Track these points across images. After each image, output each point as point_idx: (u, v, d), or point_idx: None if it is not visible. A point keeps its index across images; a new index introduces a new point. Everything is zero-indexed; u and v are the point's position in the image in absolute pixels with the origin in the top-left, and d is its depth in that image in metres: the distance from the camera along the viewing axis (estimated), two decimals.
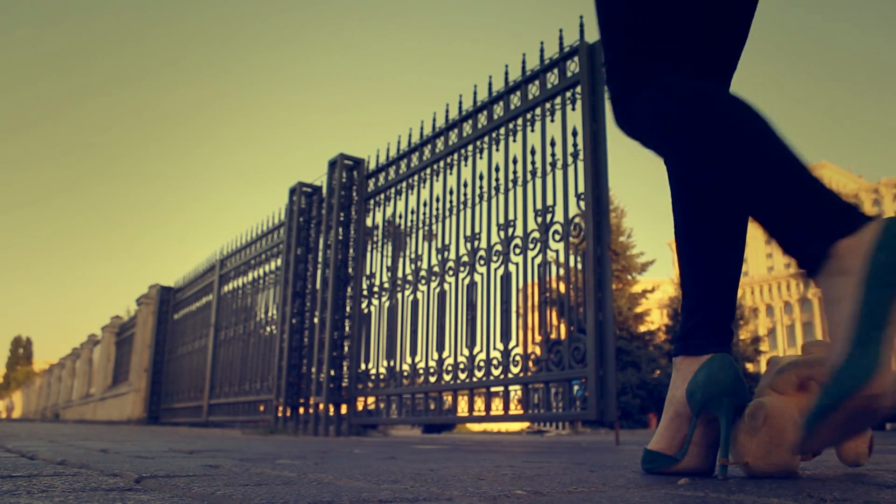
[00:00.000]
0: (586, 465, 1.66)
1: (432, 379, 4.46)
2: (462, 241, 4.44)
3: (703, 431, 1.18)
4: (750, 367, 30.50)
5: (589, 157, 3.63)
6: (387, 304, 5.08)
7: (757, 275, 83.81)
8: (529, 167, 4.03)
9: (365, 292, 5.40)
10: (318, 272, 5.96)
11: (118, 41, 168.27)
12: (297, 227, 6.34)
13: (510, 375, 3.90)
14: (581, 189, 3.66)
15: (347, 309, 5.52)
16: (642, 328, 28.85)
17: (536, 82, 4.12)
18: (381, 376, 5.00)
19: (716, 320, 1.18)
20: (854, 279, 0.82)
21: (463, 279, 4.38)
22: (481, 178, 4.41)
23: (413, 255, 4.88)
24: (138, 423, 10.33)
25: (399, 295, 4.95)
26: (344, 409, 5.31)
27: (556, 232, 3.79)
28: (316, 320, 5.79)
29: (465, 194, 4.52)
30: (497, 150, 4.36)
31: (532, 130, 4.10)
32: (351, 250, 5.65)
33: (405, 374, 4.72)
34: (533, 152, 4.04)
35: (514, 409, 3.94)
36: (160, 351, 10.57)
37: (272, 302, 6.82)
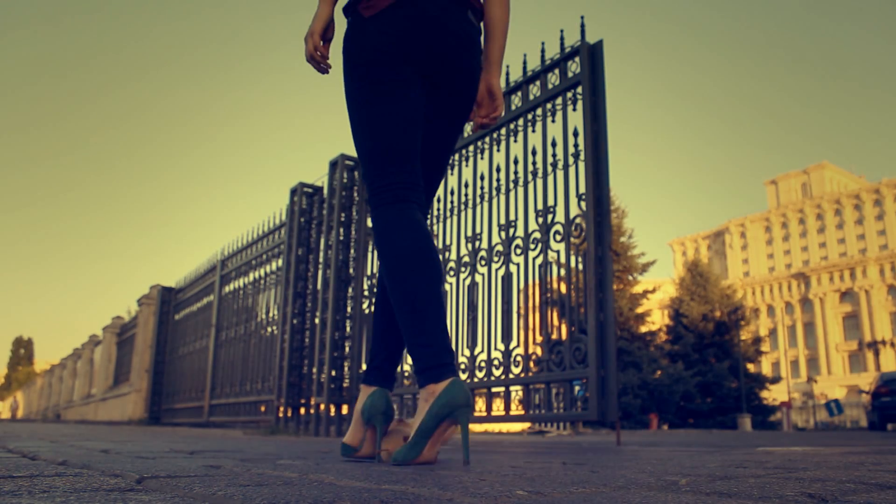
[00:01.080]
0: (587, 465, 1.66)
1: None
2: (463, 241, 4.44)
3: (371, 433, 1.83)
4: (751, 367, 30.47)
5: (590, 157, 3.63)
6: None
7: (758, 275, 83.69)
8: (530, 167, 4.03)
9: (366, 293, 5.39)
10: (320, 273, 5.96)
11: (118, 41, 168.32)
12: (298, 227, 6.34)
13: (511, 376, 3.90)
14: (582, 189, 3.65)
15: (348, 309, 5.52)
16: (643, 329, 28.85)
17: (537, 83, 4.12)
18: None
19: (384, 367, 1.85)
20: (428, 406, 1.56)
21: (464, 279, 4.37)
22: (482, 178, 4.41)
23: None
24: (139, 424, 10.33)
25: None
26: (345, 409, 5.31)
27: (557, 232, 3.79)
28: (317, 321, 5.78)
29: (466, 194, 4.52)
30: (498, 150, 4.36)
31: (533, 131, 4.10)
32: (352, 251, 5.64)
33: (406, 374, 4.72)
34: (534, 153, 4.04)
35: (516, 409, 3.93)
36: (161, 351, 10.57)
37: (273, 302, 6.82)
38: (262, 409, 6.71)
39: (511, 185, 4.15)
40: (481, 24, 1.89)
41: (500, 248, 4.13)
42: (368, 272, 5.43)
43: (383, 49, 1.73)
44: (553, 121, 3.96)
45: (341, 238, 5.66)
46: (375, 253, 5.43)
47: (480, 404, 4.13)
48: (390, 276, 1.66)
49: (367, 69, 1.74)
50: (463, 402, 1.55)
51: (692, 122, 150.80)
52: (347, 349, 5.44)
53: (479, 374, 4.10)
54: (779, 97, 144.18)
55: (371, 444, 1.84)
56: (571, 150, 3.76)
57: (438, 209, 4.74)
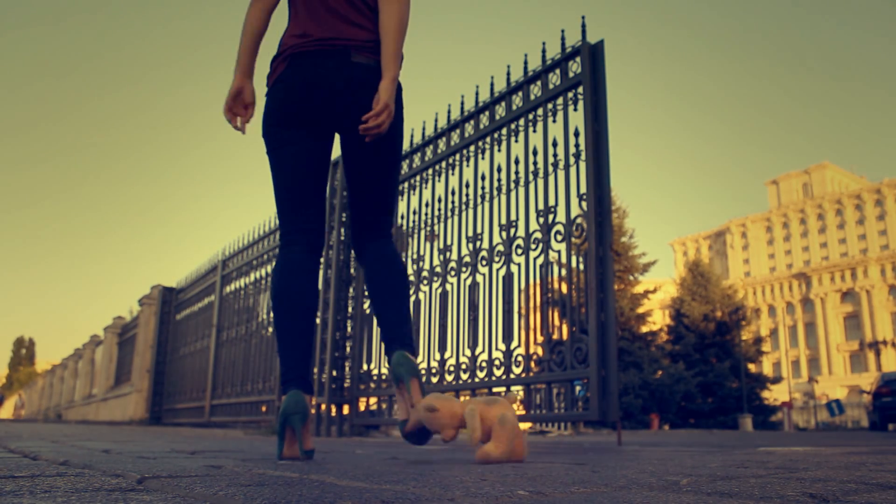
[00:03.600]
0: (588, 465, 1.66)
1: (434, 379, 4.46)
2: (464, 241, 4.44)
3: (291, 434, 1.91)
4: (752, 367, 30.43)
5: (591, 157, 3.63)
6: None
7: (759, 275, 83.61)
8: (531, 167, 4.02)
9: (367, 293, 5.39)
10: (320, 272, 5.95)
11: (118, 41, 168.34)
12: None
13: (512, 376, 3.90)
14: (583, 189, 3.65)
15: (349, 309, 5.52)
16: (644, 329, 28.80)
17: (538, 83, 4.12)
18: (384, 377, 5.00)
19: (297, 373, 1.98)
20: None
21: (465, 279, 4.37)
22: (483, 178, 4.41)
23: (415, 256, 4.88)
24: (140, 424, 10.33)
25: None
26: (346, 409, 5.31)
27: (558, 232, 3.78)
28: (318, 321, 5.79)
29: (467, 194, 4.52)
30: (499, 150, 4.35)
31: (534, 131, 4.10)
32: (353, 251, 5.64)
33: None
34: (535, 152, 4.03)
35: (517, 409, 3.93)
36: (162, 351, 10.57)
37: None
38: (264, 409, 6.71)
39: (512, 185, 4.15)
40: (377, 48, 2.05)
41: (501, 248, 4.13)
42: None
43: (271, 121, 2.07)
44: (554, 121, 3.96)
45: (342, 238, 5.66)
46: None
47: None
48: (272, 307, 2.11)
49: (265, 138, 2.10)
50: (292, 411, 1.89)
51: (693, 122, 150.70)
52: (348, 349, 5.44)
53: (481, 374, 4.10)
54: (779, 97, 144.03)
55: (293, 446, 1.91)
56: (572, 149, 3.76)
57: (439, 209, 4.74)
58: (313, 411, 5.57)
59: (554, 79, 4.01)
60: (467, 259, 4.38)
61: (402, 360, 2.02)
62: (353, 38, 2.03)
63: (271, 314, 6.83)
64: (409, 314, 2.20)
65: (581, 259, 3.69)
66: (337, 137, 2.18)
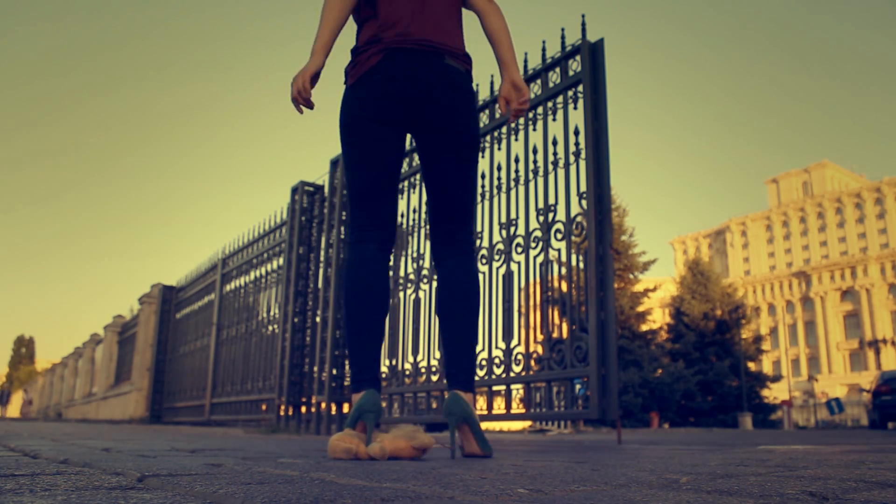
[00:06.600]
0: (588, 463, 1.66)
1: (434, 378, 4.46)
2: None
3: (361, 429, 1.91)
4: (752, 365, 30.43)
5: (591, 155, 3.63)
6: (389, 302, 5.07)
7: (759, 274, 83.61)
8: (531, 166, 4.02)
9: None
10: (321, 271, 5.96)
11: (118, 41, 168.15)
12: (299, 226, 6.34)
13: (512, 374, 3.90)
14: (583, 188, 3.65)
15: None
16: (644, 327, 28.80)
17: (538, 81, 4.11)
18: (384, 375, 5.00)
19: (371, 374, 2.02)
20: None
21: None
22: (483, 176, 4.41)
23: (415, 254, 4.88)
24: (140, 422, 10.34)
25: (401, 294, 4.95)
26: (346, 407, 5.31)
27: (557, 231, 3.78)
28: (318, 319, 5.79)
29: None
30: (499, 148, 4.35)
31: (534, 129, 4.10)
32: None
33: (407, 372, 4.72)
34: (535, 151, 4.03)
35: (516, 408, 3.93)
36: (162, 350, 10.57)
37: (274, 301, 6.83)
38: (264, 407, 6.71)
39: (512, 184, 4.15)
40: (465, 58, 2.13)
41: (501, 246, 4.13)
42: None
43: (357, 113, 2.05)
44: (554, 119, 3.96)
45: (342, 236, 5.66)
46: None
47: (481, 403, 4.13)
48: (343, 302, 2.08)
49: (346, 130, 2.08)
50: (368, 408, 1.92)
51: (693, 122, 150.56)
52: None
53: (480, 373, 4.10)
54: (779, 96, 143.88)
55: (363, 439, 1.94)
56: (572, 148, 3.76)
57: None
58: (314, 410, 5.58)
59: (554, 77, 4.01)
60: None
61: (454, 408, 1.98)
62: (446, 42, 2.06)
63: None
64: (473, 345, 2.16)
65: (581, 257, 3.69)
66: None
